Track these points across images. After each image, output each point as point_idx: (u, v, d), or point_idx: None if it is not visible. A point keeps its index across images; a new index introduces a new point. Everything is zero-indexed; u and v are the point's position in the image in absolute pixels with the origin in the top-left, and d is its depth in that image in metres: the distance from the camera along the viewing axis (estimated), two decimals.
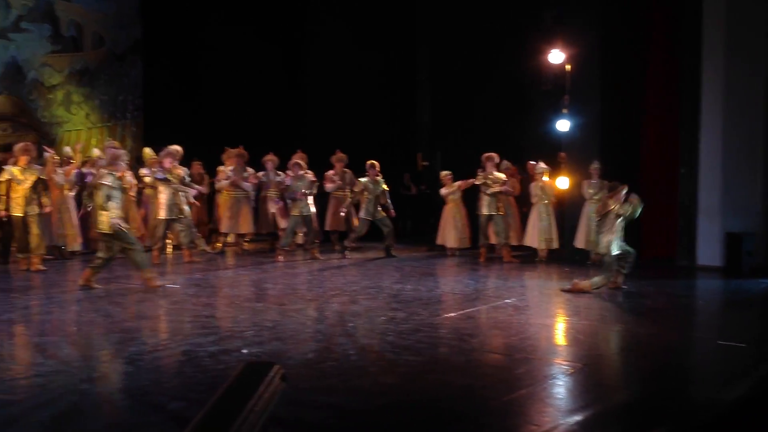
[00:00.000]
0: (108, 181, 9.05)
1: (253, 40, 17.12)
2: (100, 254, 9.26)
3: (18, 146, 11.49)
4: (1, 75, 15.29)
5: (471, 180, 13.18)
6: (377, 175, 13.51)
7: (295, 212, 12.83)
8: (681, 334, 7.52)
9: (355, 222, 14.09)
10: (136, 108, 17.31)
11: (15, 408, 4.57)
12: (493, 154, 12.93)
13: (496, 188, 12.76)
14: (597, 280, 9.33)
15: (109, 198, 9.00)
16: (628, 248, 9.48)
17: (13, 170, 11.06)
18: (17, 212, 11.00)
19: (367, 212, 13.38)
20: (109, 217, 8.96)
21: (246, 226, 13.75)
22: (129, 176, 12.05)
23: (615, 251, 9.27)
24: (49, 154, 12.25)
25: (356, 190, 13.71)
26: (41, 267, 10.91)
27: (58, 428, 4.38)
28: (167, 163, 11.93)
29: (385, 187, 13.61)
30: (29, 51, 15.74)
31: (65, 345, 6.39)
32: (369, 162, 13.55)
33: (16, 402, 4.70)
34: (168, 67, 16.86)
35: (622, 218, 9.38)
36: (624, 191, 9.45)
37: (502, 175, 12.95)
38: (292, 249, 13.73)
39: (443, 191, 13.84)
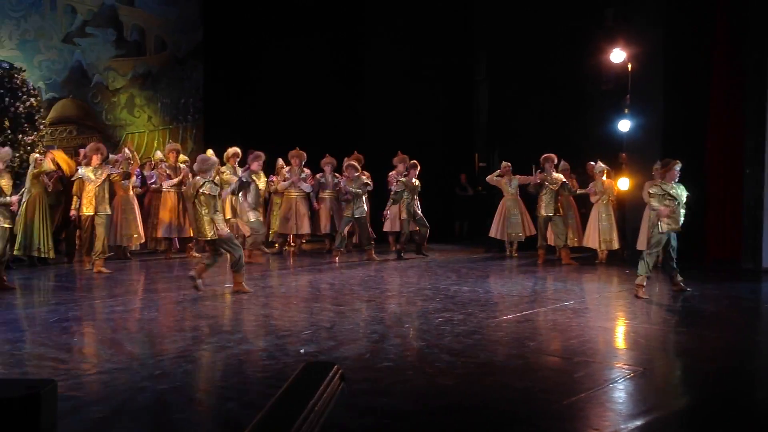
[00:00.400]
0: (207, 189, 8.81)
1: (311, 42, 17.24)
2: (205, 260, 9.19)
3: (90, 146, 11.68)
4: (66, 78, 15.68)
5: (531, 177, 13.00)
6: (416, 176, 13.53)
7: (347, 213, 12.91)
8: (744, 337, 7.35)
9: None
10: (196, 110, 17.60)
11: (77, 402, 4.68)
12: (552, 155, 12.80)
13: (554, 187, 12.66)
14: (641, 266, 9.09)
15: (209, 205, 8.88)
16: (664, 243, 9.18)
17: (86, 171, 11.24)
18: (88, 211, 11.19)
19: (408, 212, 13.40)
20: (215, 224, 8.87)
21: (303, 226, 13.84)
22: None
23: (663, 228, 9.02)
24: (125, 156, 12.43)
25: (397, 190, 13.68)
26: (104, 269, 11.01)
27: (120, 426, 4.46)
28: (255, 166, 12.10)
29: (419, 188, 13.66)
30: (94, 55, 16.12)
31: (128, 343, 6.52)
32: (412, 162, 13.57)
33: (80, 397, 4.80)
34: (228, 70, 17.10)
35: (668, 196, 9.12)
36: (677, 167, 9.19)
37: (561, 176, 12.80)
38: (348, 249, 13.81)
39: (489, 177, 13.85)
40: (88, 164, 11.38)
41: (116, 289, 9.60)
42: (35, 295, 9.04)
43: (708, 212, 12.72)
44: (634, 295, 9.04)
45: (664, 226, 9.04)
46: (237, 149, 13.08)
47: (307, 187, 13.79)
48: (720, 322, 7.99)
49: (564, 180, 12.75)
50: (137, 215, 12.72)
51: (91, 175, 11.17)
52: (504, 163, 13.92)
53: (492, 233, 14.06)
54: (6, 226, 9.25)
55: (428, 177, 14.74)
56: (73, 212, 11.51)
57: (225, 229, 8.91)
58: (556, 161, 12.83)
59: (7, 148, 10.10)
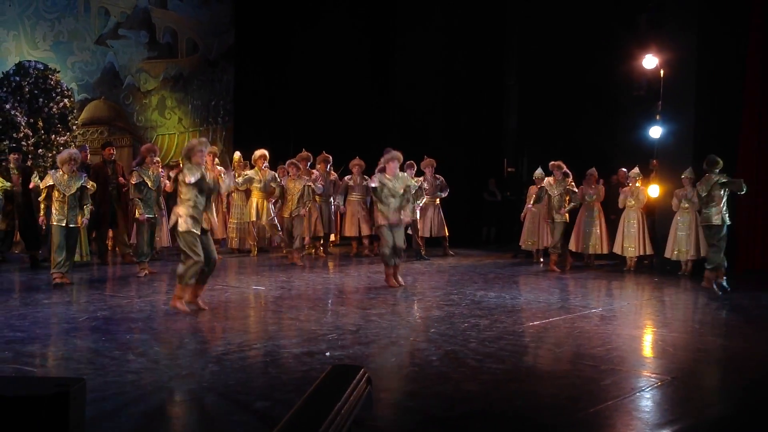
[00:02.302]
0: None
1: (342, 46, 17.29)
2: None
3: (144, 147, 11.65)
4: (99, 80, 15.88)
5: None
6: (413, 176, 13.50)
7: (285, 214, 12.61)
8: None
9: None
10: (227, 113, 17.72)
11: (107, 404, 4.72)
12: (560, 163, 12.68)
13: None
14: (712, 258, 9.44)
15: None
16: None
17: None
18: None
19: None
20: None
21: (320, 229, 13.73)
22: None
23: (728, 221, 9.34)
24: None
25: (374, 186, 13.61)
26: (141, 273, 10.92)
27: (147, 424, 4.49)
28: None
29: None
30: (126, 57, 16.31)
31: (154, 343, 6.57)
32: (408, 162, 13.52)
33: (108, 398, 4.84)
34: (258, 72, 17.20)
35: (726, 188, 9.85)
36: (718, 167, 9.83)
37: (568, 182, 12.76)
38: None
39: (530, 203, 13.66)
40: (140, 164, 11.26)
41: (145, 289, 9.68)
42: (66, 294, 9.13)
43: (739, 221, 12.59)
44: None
45: (728, 218, 10.02)
46: (264, 151, 13.14)
47: (319, 188, 13.59)
48: (751, 332, 7.88)
49: (569, 187, 12.66)
50: (164, 217, 12.74)
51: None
52: (537, 172, 13.69)
53: (521, 242, 13.98)
54: (61, 225, 9.78)
55: (456, 181, 14.76)
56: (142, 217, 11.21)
57: None
58: (564, 168, 12.71)
59: (74, 151, 10.32)
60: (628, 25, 15.79)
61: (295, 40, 17.36)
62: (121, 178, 12.36)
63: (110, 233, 12.91)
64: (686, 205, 11.90)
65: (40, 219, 10.07)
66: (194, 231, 7.82)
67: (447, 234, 14.43)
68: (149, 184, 10.93)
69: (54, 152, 13.55)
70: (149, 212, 10.95)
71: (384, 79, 18.21)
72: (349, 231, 14.34)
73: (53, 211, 9.79)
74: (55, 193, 9.79)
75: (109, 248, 13.03)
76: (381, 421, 4.47)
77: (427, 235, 14.42)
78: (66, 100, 14.20)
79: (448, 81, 17.17)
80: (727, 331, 7.89)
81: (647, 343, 7.37)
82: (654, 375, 5.78)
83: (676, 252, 12.12)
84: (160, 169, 11.88)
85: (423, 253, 13.76)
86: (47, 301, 8.65)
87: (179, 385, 5.20)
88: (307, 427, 3.24)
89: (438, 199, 14.22)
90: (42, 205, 9.96)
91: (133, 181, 10.92)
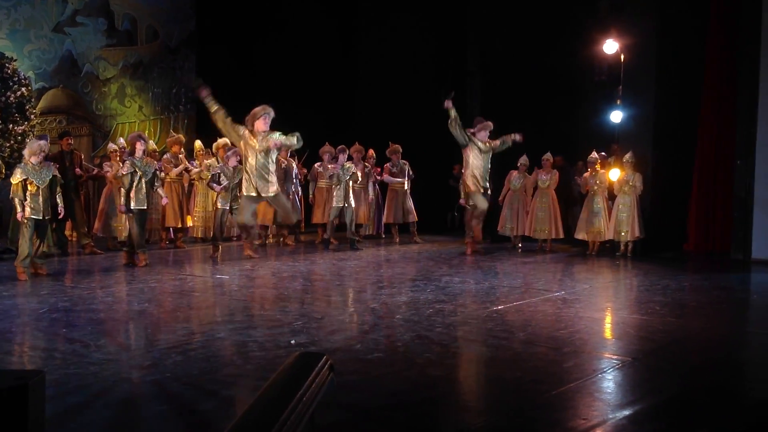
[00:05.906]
0: None
1: (305, 32, 17.18)
2: None
3: (132, 135, 11.60)
4: (57, 68, 15.64)
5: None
6: (348, 161, 13.54)
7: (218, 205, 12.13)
8: (734, 328, 7.39)
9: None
10: (188, 100, 17.54)
11: (70, 397, 4.66)
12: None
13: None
14: None
15: None
16: None
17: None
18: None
19: (338, 199, 13.26)
20: None
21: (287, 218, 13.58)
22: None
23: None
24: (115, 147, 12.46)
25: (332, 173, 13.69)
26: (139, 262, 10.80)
27: (110, 416, 4.45)
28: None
29: (358, 174, 13.78)
30: (84, 44, 16.07)
31: (116, 334, 6.51)
32: (339, 147, 13.52)
33: (71, 391, 4.79)
34: (220, 59, 17.02)
35: None
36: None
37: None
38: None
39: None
40: (131, 154, 11.10)
41: (107, 279, 9.59)
42: (26, 286, 9.01)
43: (693, 203, 12.82)
44: None
45: None
46: (227, 140, 13.03)
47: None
48: (710, 313, 8.02)
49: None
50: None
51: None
52: (522, 159, 13.64)
53: (498, 228, 13.97)
54: (35, 218, 9.50)
55: (421, 168, 14.80)
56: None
57: None
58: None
59: (43, 141, 10.12)
60: (589, 10, 15.89)
61: (257, 26, 17.21)
62: (77, 169, 12.25)
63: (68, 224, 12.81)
64: (626, 188, 12.22)
65: (19, 215, 9.62)
66: None
67: (416, 220, 14.49)
68: (140, 174, 10.75)
69: (12, 142, 13.33)
70: (140, 204, 10.73)
71: (348, 67, 18.13)
72: (317, 218, 14.32)
73: (27, 204, 9.46)
74: (30, 187, 9.49)
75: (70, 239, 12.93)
76: (344, 407, 4.48)
77: (398, 221, 14.47)
78: (23, 89, 13.95)
79: (411, 68, 17.14)
80: (686, 312, 7.99)
81: (608, 325, 7.45)
82: (615, 356, 5.85)
83: (623, 233, 12.35)
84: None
85: (357, 241, 13.64)
86: (7, 293, 8.53)
87: (143, 376, 5.16)
88: (268, 416, 3.23)
89: (407, 185, 14.29)
90: (17, 201, 9.55)
91: (124, 171, 10.70)
